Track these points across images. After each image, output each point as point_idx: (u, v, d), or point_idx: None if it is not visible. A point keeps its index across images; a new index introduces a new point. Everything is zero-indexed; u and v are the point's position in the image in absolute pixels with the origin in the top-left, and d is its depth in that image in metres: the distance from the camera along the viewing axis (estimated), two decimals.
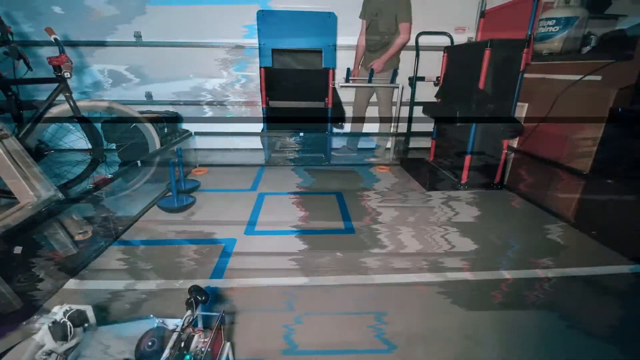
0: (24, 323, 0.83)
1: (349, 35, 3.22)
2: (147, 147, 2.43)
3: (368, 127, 3.56)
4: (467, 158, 2.53)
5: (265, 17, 2.86)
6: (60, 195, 1.59)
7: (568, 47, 2.29)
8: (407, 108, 3.33)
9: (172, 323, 0.86)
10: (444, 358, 1.11)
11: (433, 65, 3.24)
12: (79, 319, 0.88)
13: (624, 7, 2.51)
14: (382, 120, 3.31)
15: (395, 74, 3.09)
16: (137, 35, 3.19)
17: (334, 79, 3.03)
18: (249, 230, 1.95)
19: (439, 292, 1.43)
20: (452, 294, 1.42)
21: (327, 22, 2.90)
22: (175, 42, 3.21)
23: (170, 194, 2.32)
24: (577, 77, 2.02)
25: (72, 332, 0.85)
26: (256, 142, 3.47)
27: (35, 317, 0.82)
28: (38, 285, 1.40)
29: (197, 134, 3.35)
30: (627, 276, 1.58)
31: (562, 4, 2.32)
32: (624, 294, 1.47)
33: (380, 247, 1.78)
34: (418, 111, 3.26)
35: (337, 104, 3.23)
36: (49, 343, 0.81)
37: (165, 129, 2.76)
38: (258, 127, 3.25)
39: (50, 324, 0.83)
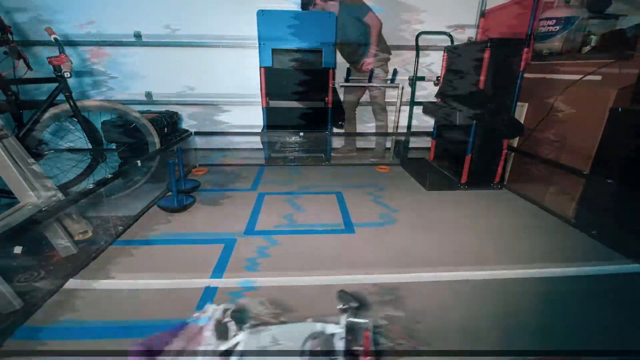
0: (196, 315, 0.80)
1: None
2: (147, 146, 2.43)
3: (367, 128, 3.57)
4: (467, 158, 2.53)
5: (265, 17, 2.86)
6: (60, 195, 1.59)
7: (568, 46, 2.29)
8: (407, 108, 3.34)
9: (330, 328, 0.85)
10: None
11: (433, 66, 3.25)
12: (239, 318, 0.88)
13: (624, 7, 2.51)
14: (377, 120, 3.32)
15: (395, 73, 3.09)
16: (137, 35, 3.19)
17: (333, 79, 3.03)
18: (249, 230, 1.95)
19: (438, 292, 1.43)
20: (452, 294, 1.42)
21: (327, 21, 2.90)
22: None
23: (170, 193, 2.32)
24: (577, 77, 2.02)
25: (233, 332, 0.85)
26: (256, 142, 3.47)
27: (195, 316, 0.81)
28: (38, 285, 1.40)
29: (197, 133, 3.35)
30: (627, 276, 1.58)
31: (562, 4, 2.32)
32: (624, 294, 1.47)
33: (380, 246, 1.78)
34: (418, 111, 3.26)
35: (337, 104, 3.23)
36: (213, 342, 0.81)
37: (165, 129, 2.76)
38: (258, 127, 3.25)
39: (214, 324, 0.83)
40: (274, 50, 2.95)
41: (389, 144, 3.48)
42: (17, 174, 1.47)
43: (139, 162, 2.09)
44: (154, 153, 2.41)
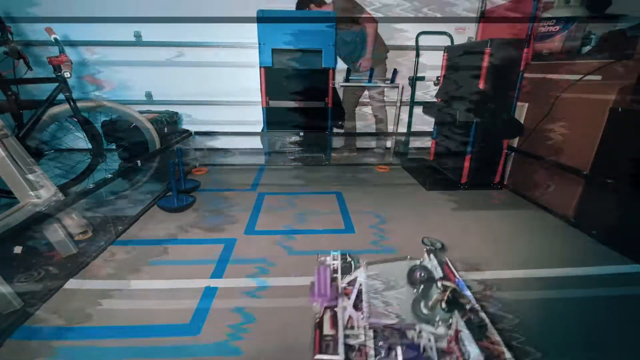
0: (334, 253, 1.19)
1: None
2: (147, 146, 2.43)
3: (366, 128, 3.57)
4: (467, 158, 2.53)
5: (265, 17, 2.86)
6: (60, 195, 1.59)
7: (568, 46, 2.29)
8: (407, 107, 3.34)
9: (426, 263, 1.12)
10: None
11: (433, 65, 3.25)
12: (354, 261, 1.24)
13: (624, 7, 2.51)
14: (377, 120, 3.32)
15: (395, 73, 3.09)
16: (137, 35, 3.19)
17: (334, 79, 3.03)
18: (249, 229, 1.95)
19: None
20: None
21: (327, 21, 2.90)
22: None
23: (170, 193, 2.32)
24: (577, 77, 2.02)
25: (353, 268, 1.18)
26: (256, 142, 3.47)
27: (332, 253, 1.21)
28: (38, 285, 1.40)
29: (197, 133, 3.35)
30: (627, 276, 1.58)
31: (562, 4, 2.32)
32: (624, 294, 1.47)
33: (380, 246, 1.78)
34: (418, 111, 3.27)
35: (337, 104, 3.23)
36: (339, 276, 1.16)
37: (165, 129, 2.76)
38: (258, 126, 3.25)
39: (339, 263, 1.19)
40: (273, 50, 2.95)
41: (389, 144, 3.48)
42: (17, 174, 1.47)
43: (139, 162, 2.09)
44: (154, 153, 2.41)
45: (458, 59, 2.77)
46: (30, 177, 1.52)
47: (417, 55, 3.15)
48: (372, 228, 1.98)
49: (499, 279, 1.53)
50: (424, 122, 3.46)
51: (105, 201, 2.19)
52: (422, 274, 1.02)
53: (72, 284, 1.44)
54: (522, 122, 2.43)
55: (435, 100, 3.06)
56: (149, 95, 3.42)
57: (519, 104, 2.41)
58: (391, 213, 2.18)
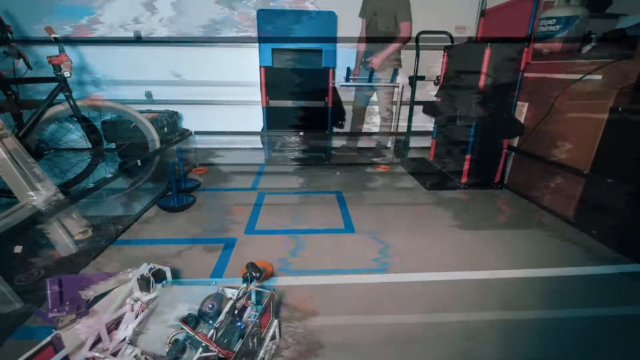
0: (120, 273, 0.96)
1: (350, 35, 3.23)
2: (147, 146, 2.43)
3: (367, 128, 3.57)
4: (467, 157, 2.53)
5: (265, 17, 2.86)
6: (60, 194, 1.59)
7: (568, 46, 2.29)
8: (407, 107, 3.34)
9: (230, 292, 0.99)
10: (444, 357, 1.12)
11: (433, 65, 3.24)
12: (159, 276, 1.04)
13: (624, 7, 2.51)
14: (382, 120, 3.31)
15: (395, 73, 3.08)
16: (137, 35, 3.19)
17: (334, 79, 3.02)
18: (249, 229, 1.95)
19: (438, 292, 1.43)
20: (451, 294, 1.42)
21: (327, 21, 2.90)
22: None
23: (170, 193, 2.32)
24: (578, 77, 2.02)
25: (154, 286, 1.01)
26: (256, 142, 3.47)
27: (128, 269, 0.97)
28: (38, 285, 1.40)
29: (197, 133, 3.35)
30: (628, 275, 1.58)
31: (562, 3, 2.32)
32: (624, 294, 1.47)
33: (380, 246, 1.78)
34: (418, 110, 3.26)
35: (337, 104, 3.23)
36: (137, 292, 0.97)
37: (165, 128, 2.76)
38: (258, 126, 3.25)
39: (139, 277, 0.98)
40: (273, 50, 2.95)
41: (389, 144, 3.48)
42: (17, 173, 1.47)
43: (138, 161, 2.09)
44: (154, 152, 2.41)
45: (458, 59, 2.77)
46: (30, 176, 1.52)
47: (417, 55, 3.15)
48: (372, 228, 1.97)
49: (499, 279, 1.53)
50: (424, 122, 3.46)
51: (105, 201, 2.19)
52: (211, 306, 0.92)
53: None
54: (522, 121, 2.43)
55: (435, 99, 3.06)
56: (149, 95, 3.41)
57: (519, 103, 2.41)
58: (392, 213, 2.18)
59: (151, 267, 1.01)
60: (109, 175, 1.85)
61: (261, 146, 3.37)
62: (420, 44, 3.13)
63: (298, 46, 2.97)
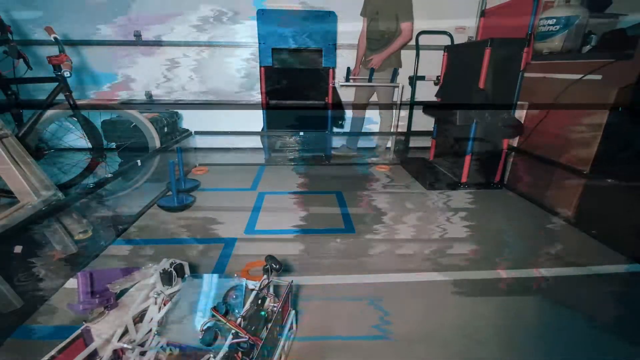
0: (142, 268, 1.00)
1: (350, 34, 3.23)
2: (147, 146, 2.43)
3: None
4: (467, 157, 2.53)
5: (265, 16, 2.86)
6: (60, 194, 1.59)
7: (568, 46, 2.29)
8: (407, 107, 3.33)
9: (251, 284, 1.02)
10: (443, 357, 1.12)
11: (433, 65, 3.24)
12: (180, 270, 1.06)
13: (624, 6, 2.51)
14: (382, 119, 3.31)
15: (395, 73, 3.08)
16: (137, 35, 3.19)
17: (334, 78, 3.02)
18: (249, 229, 1.95)
19: (439, 292, 1.43)
20: (452, 294, 1.42)
21: (327, 21, 2.90)
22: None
23: (170, 193, 2.32)
24: (578, 77, 2.02)
25: (175, 280, 1.04)
26: (256, 142, 3.47)
27: (150, 264, 1.01)
28: (38, 285, 1.40)
29: (197, 133, 3.35)
30: (628, 275, 1.58)
31: (562, 3, 2.32)
32: (624, 294, 1.47)
33: (380, 246, 1.78)
34: (418, 115, 3.26)
35: (337, 104, 3.23)
36: (159, 286, 1.00)
37: (165, 128, 2.76)
38: (258, 126, 3.25)
39: (161, 271, 1.01)
40: (273, 50, 2.95)
41: (389, 144, 3.48)
42: (17, 173, 1.46)
43: (139, 161, 2.09)
44: (154, 152, 2.41)
45: (458, 59, 2.77)
46: (30, 176, 1.52)
47: (417, 55, 3.15)
48: (372, 227, 1.98)
49: (499, 279, 1.53)
50: (425, 122, 3.46)
51: (105, 200, 2.19)
52: (235, 296, 0.96)
53: (72, 283, 1.44)
54: (522, 121, 2.43)
55: (435, 99, 3.06)
56: (148, 95, 3.41)
57: (519, 103, 2.41)
58: (392, 213, 2.18)
59: (172, 262, 1.04)
60: (109, 175, 1.85)
61: (261, 146, 3.37)
62: (420, 44, 3.13)
63: (298, 46, 2.96)
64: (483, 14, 3.13)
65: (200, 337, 0.83)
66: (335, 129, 3.39)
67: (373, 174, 2.98)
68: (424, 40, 3.15)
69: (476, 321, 1.27)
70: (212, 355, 0.79)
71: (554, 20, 2.29)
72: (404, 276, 1.53)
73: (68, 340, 0.81)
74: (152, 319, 0.93)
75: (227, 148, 3.59)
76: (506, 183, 2.64)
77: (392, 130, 3.31)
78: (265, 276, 1.01)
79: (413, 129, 3.40)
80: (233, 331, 0.83)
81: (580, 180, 1.98)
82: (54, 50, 1.98)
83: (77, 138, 2.25)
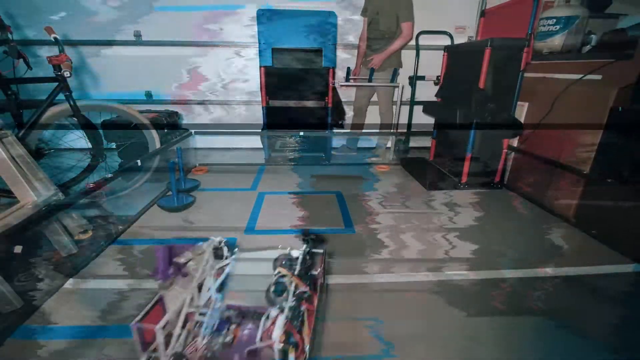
0: (196, 245, 1.09)
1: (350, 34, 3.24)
2: (147, 146, 2.43)
3: (368, 127, 3.56)
4: (467, 157, 2.53)
5: (265, 16, 2.86)
6: (60, 194, 1.59)
7: (568, 46, 2.29)
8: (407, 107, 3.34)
9: (294, 253, 1.15)
10: (443, 357, 1.12)
11: (433, 65, 3.24)
12: (229, 246, 1.18)
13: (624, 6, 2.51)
14: (383, 119, 3.31)
15: (395, 73, 3.08)
16: (137, 35, 3.19)
17: (334, 78, 3.02)
18: (249, 229, 1.95)
19: (439, 292, 1.43)
20: (452, 294, 1.42)
21: (327, 21, 2.90)
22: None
23: (170, 193, 2.32)
24: (578, 77, 2.02)
25: (225, 255, 1.16)
26: (256, 142, 3.47)
27: (201, 242, 1.11)
28: (38, 285, 1.40)
29: (197, 133, 3.35)
30: (627, 276, 1.58)
31: (562, 3, 2.32)
32: (624, 294, 1.47)
33: (380, 246, 1.78)
34: (418, 110, 3.26)
35: (337, 104, 3.23)
36: (211, 260, 1.10)
37: (165, 128, 2.76)
38: (258, 126, 3.25)
39: (213, 247, 1.12)
40: (274, 50, 2.95)
41: (389, 144, 3.48)
42: (17, 173, 1.46)
43: (139, 161, 2.08)
44: (154, 152, 2.41)
45: (458, 59, 2.77)
46: (30, 176, 1.52)
47: (417, 55, 3.15)
48: (372, 228, 1.97)
49: (499, 279, 1.53)
50: (424, 122, 3.46)
51: (105, 200, 2.19)
52: (284, 262, 1.09)
53: (72, 283, 1.44)
54: (522, 121, 2.43)
55: (435, 99, 3.06)
56: (148, 94, 3.41)
57: (519, 103, 2.41)
58: (392, 213, 2.18)
59: (220, 240, 1.16)
60: (109, 175, 1.85)
61: (261, 146, 3.37)
62: (420, 44, 3.13)
63: (298, 46, 2.96)
64: (483, 14, 3.13)
65: (273, 289, 0.97)
66: (335, 129, 3.39)
67: (373, 174, 2.98)
68: (424, 40, 3.15)
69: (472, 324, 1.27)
70: (277, 306, 0.93)
71: (554, 20, 2.29)
72: (404, 276, 1.53)
73: (149, 306, 0.95)
74: (209, 288, 1.06)
75: (227, 148, 3.59)
76: (506, 183, 2.64)
77: (392, 130, 3.31)
78: (305, 245, 1.18)
79: (413, 129, 3.40)
80: (295, 284, 0.99)
81: (580, 180, 1.98)
82: (54, 51, 1.98)
83: (77, 138, 2.25)
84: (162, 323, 0.87)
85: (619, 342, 1.20)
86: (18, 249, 1.58)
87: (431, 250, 1.76)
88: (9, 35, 1.83)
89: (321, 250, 1.25)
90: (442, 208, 2.27)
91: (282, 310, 0.91)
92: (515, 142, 2.55)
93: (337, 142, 3.57)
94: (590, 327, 1.25)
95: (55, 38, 1.96)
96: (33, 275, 1.45)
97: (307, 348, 0.95)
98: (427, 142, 3.34)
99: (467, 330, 1.22)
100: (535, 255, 1.73)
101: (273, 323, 0.90)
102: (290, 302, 0.94)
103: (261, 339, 0.88)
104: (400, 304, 1.36)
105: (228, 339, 0.95)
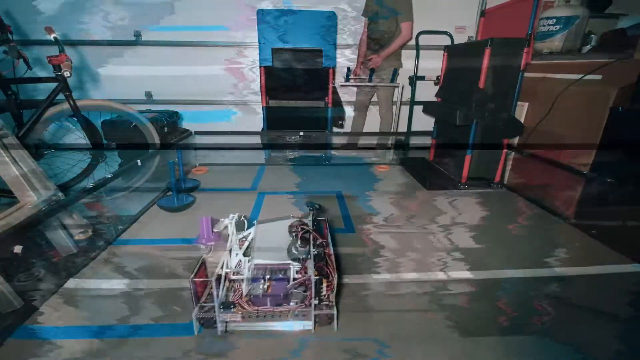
0: (221, 220, 1.36)
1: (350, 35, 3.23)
2: (147, 146, 2.43)
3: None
4: (467, 157, 2.53)
5: (265, 16, 2.86)
6: (60, 194, 1.59)
7: (568, 46, 2.29)
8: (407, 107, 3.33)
9: (304, 220, 1.39)
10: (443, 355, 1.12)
11: (433, 65, 3.24)
12: (248, 219, 1.42)
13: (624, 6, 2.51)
14: (383, 120, 3.31)
15: (395, 73, 3.08)
16: (137, 35, 3.19)
17: (334, 79, 3.02)
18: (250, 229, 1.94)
19: (439, 292, 1.43)
20: (452, 294, 1.42)
21: (327, 21, 2.90)
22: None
23: (170, 193, 2.32)
24: (578, 77, 2.02)
25: (246, 227, 1.39)
26: (256, 142, 3.47)
27: (222, 219, 1.35)
28: (38, 285, 1.40)
29: (197, 133, 3.35)
30: (627, 275, 1.58)
31: (562, 3, 2.32)
32: (624, 294, 1.47)
33: (380, 246, 1.78)
34: (418, 110, 3.26)
35: (337, 104, 3.23)
36: (235, 231, 1.35)
37: (165, 128, 2.76)
38: (258, 126, 3.25)
39: (234, 221, 1.36)
40: (274, 50, 2.95)
41: (389, 144, 3.48)
42: (17, 173, 1.46)
43: (139, 161, 2.09)
44: (154, 152, 2.41)
45: (458, 59, 2.76)
46: (30, 176, 1.52)
47: (417, 55, 3.15)
48: (373, 228, 1.97)
49: (498, 279, 1.53)
50: (424, 122, 3.45)
51: (105, 200, 2.19)
52: (298, 228, 1.30)
53: (72, 283, 1.44)
54: (522, 121, 2.43)
55: (435, 99, 3.06)
56: (148, 94, 3.41)
57: (519, 103, 2.41)
58: (392, 213, 2.18)
59: (239, 215, 1.40)
60: (109, 175, 1.85)
61: (261, 146, 3.37)
62: (420, 43, 3.13)
63: (298, 46, 2.96)
64: (483, 14, 3.13)
65: (298, 243, 1.23)
66: (335, 129, 3.39)
67: (373, 174, 2.98)
68: (424, 40, 3.15)
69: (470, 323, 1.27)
70: (300, 259, 1.21)
71: (554, 20, 2.30)
72: (404, 276, 1.53)
73: (197, 267, 1.19)
74: (237, 254, 1.29)
75: (227, 148, 3.59)
76: (506, 183, 2.64)
77: (392, 130, 3.31)
78: (312, 212, 1.44)
79: (413, 128, 3.39)
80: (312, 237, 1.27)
81: (580, 179, 1.98)
82: (54, 51, 1.97)
83: (77, 138, 2.25)
84: (215, 276, 1.12)
85: (619, 342, 1.20)
86: (18, 249, 1.59)
87: (431, 249, 1.75)
88: (9, 35, 1.84)
89: (324, 218, 1.56)
90: (441, 208, 2.27)
91: (309, 256, 1.19)
92: (515, 142, 2.55)
93: (337, 141, 3.57)
94: (590, 327, 1.25)
95: (55, 38, 1.96)
96: (33, 275, 1.45)
97: (335, 279, 1.18)
98: (427, 142, 3.34)
99: (467, 328, 1.22)
100: (535, 254, 1.72)
101: (302, 269, 1.20)
102: (314, 250, 1.22)
103: (294, 280, 1.15)
104: (401, 304, 1.36)
105: (263, 287, 1.19)
